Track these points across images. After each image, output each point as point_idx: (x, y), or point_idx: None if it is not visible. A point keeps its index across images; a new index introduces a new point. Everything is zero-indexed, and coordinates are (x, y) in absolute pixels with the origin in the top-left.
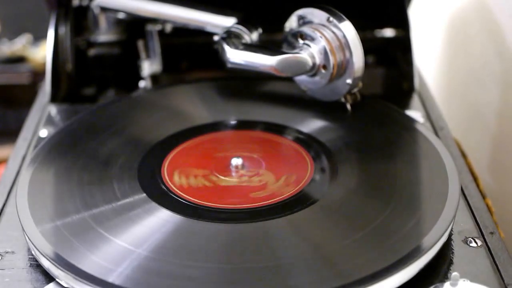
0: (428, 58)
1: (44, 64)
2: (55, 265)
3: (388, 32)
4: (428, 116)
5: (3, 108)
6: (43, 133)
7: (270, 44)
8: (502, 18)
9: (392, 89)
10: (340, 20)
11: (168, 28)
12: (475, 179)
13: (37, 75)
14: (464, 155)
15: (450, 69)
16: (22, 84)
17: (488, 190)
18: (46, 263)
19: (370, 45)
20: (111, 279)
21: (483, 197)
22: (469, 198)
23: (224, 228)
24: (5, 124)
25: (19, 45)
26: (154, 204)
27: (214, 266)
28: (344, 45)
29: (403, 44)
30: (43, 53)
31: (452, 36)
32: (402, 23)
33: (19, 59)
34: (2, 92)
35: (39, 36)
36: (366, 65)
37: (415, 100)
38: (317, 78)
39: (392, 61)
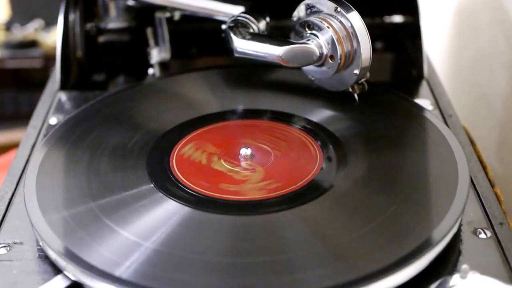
0: (437, 45)
1: (55, 49)
2: (62, 258)
3: (397, 18)
4: (436, 103)
5: (16, 92)
6: (53, 121)
7: (279, 30)
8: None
9: (401, 76)
10: (348, 10)
11: (177, 15)
12: (484, 167)
13: (49, 59)
14: (472, 143)
15: (459, 56)
16: (34, 68)
17: (496, 178)
18: (53, 255)
19: (379, 31)
20: (118, 272)
21: (492, 186)
22: (478, 187)
23: (232, 220)
24: (17, 107)
25: (31, 29)
26: (161, 195)
27: (223, 260)
28: (352, 35)
29: (412, 31)
30: (55, 37)
31: (461, 23)
32: (411, 9)
33: (31, 44)
34: (14, 76)
35: (51, 22)
36: (375, 51)
37: (424, 87)
38: (324, 68)
39: (401, 47)
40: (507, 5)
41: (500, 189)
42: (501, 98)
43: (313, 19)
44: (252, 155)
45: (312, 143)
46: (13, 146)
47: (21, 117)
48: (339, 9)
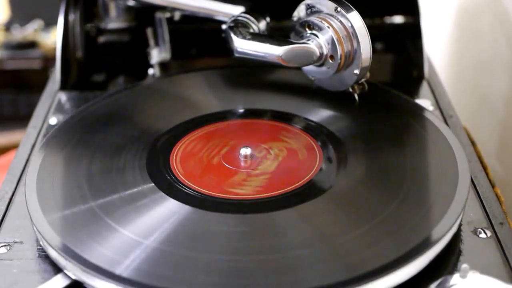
0: (438, 46)
1: (55, 49)
2: (63, 256)
3: (398, 19)
4: (437, 103)
5: (15, 93)
6: (53, 121)
7: (280, 31)
8: None
9: (402, 76)
10: (348, 10)
11: (177, 16)
12: (484, 168)
13: (48, 60)
14: (473, 144)
15: (460, 56)
16: (33, 69)
17: (497, 180)
18: (53, 254)
19: (379, 32)
20: (119, 271)
21: (492, 186)
22: (478, 187)
23: (232, 219)
24: (16, 109)
25: (30, 30)
26: (162, 194)
27: (223, 258)
28: (352, 35)
29: (413, 31)
30: (54, 38)
31: (462, 24)
32: (412, 10)
33: (30, 44)
34: (13, 77)
35: (50, 22)
36: (376, 52)
37: (425, 88)
38: (324, 68)
39: (401, 48)
40: (508, 7)
41: (501, 191)
42: (502, 100)
43: (313, 19)
44: (252, 155)
45: (312, 143)
46: (12, 147)
47: (20, 119)
48: (339, 9)
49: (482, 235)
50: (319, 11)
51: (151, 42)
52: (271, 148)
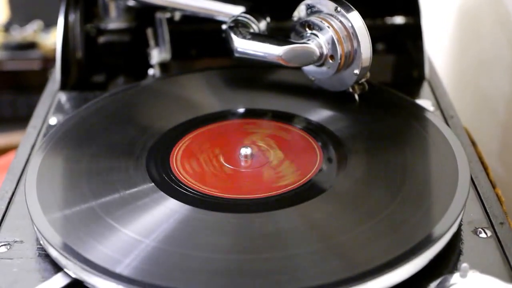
0: (439, 46)
1: (54, 50)
2: (63, 255)
3: (399, 19)
4: (438, 104)
5: (14, 94)
6: (53, 121)
7: (280, 31)
8: None
9: (402, 77)
10: (348, 10)
11: (177, 16)
12: (485, 168)
13: (48, 61)
14: (474, 144)
15: (461, 57)
16: (32, 70)
17: (498, 181)
18: (54, 253)
19: (380, 33)
20: (119, 269)
21: (493, 186)
22: (478, 187)
23: (232, 218)
24: (15, 110)
25: (30, 31)
26: (162, 194)
27: (223, 257)
28: (352, 35)
29: (413, 32)
30: (54, 39)
31: (463, 25)
32: (412, 10)
33: (30, 45)
34: (12, 78)
35: (50, 23)
36: (376, 52)
37: (425, 88)
38: (324, 68)
39: (402, 48)
40: (509, 7)
41: (502, 191)
42: (503, 100)
43: (314, 19)
44: (252, 155)
45: (313, 142)
46: (11, 148)
47: (19, 120)
48: (339, 9)
49: (483, 235)
50: (319, 11)
51: (151, 42)
52: (271, 148)
